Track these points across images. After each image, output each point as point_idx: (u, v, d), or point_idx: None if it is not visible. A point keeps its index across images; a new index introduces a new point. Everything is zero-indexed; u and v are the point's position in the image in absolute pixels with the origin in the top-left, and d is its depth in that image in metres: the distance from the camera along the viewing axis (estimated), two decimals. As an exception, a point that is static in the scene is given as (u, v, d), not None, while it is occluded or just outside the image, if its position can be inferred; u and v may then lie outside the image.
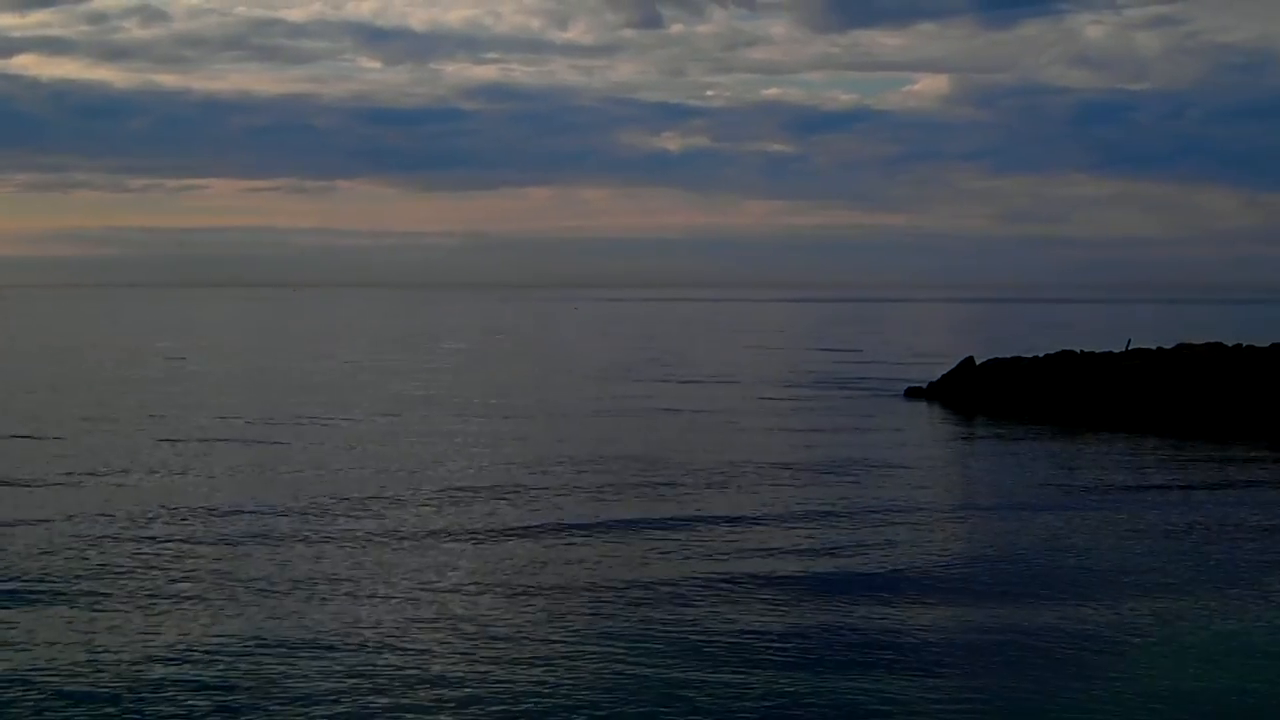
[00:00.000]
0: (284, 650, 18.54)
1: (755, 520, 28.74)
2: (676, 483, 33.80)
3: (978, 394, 56.54)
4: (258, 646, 18.68)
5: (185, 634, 19.32)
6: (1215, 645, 19.46)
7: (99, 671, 17.53)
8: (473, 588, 22.47)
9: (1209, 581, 23.37)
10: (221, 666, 17.77)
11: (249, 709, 16.25)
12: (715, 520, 28.60)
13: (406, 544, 26.01)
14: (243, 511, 29.13)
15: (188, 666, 17.75)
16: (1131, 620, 20.70)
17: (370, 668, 17.86)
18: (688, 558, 24.82)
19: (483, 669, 17.90)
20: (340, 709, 16.29)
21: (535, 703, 16.63)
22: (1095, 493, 33.02)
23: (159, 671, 17.53)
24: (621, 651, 18.69)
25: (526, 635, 19.52)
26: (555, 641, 19.20)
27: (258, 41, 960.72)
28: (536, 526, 27.84)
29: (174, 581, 22.54)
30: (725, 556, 24.93)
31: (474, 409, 53.07)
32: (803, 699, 16.86)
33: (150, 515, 28.59)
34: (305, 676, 17.42)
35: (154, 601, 21.22)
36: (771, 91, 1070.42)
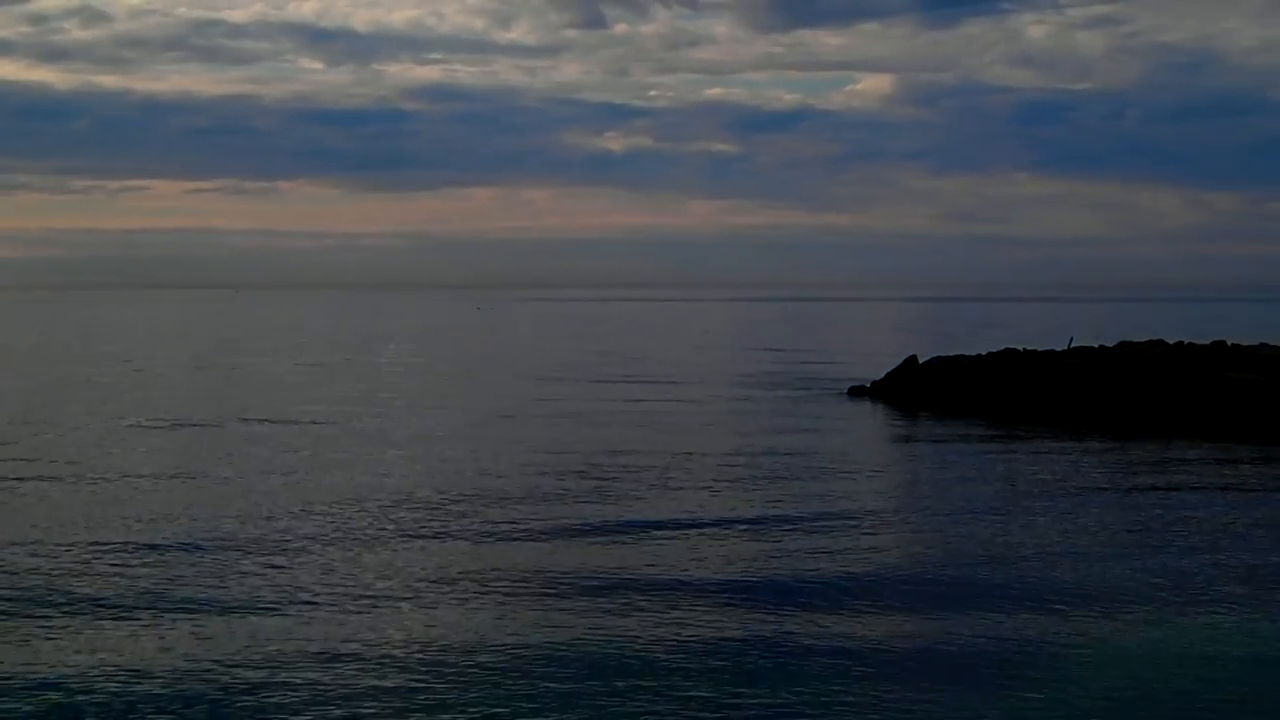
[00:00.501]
0: (225, 665, 17.91)
1: (694, 525, 28.17)
2: (616, 486, 33.25)
3: (921, 392, 56.53)
4: (195, 660, 18.06)
5: (114, 648, 18.68)
6: (1158, 652, 19.13)
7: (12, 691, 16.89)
8: (412, 595, 21.89)
9: (1153, 587, 23.03)
10: (159, 681, 17.15)
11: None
12: (653, 525, 28.05)
13: (348, 550, 25.36)
14: (179, 518, 28.44)
15: (116, 683, 17.13)
16: (1074, 627, 20.34)
17: (312, 679, 17.26)
18: (624, 564, 24.24)
19: (418, 678, 17.35)
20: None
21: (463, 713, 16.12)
22: (1037, 495, 32.66)
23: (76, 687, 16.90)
24: (552, 664, 18.15)
25: (462, 644, 18.96)
26: (481, 652, 18.62)
27: (199, 42, 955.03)
28: (472, 532, 27.29)
29: (104, 593, 21.87)
30: (662, 563, 24.37)
31: (415, 412, 52.48)
32: (740, 711, 16.41)
33: (84, 522, 27.88)
34: (246, 690, 16.81)
35: (83, 614, 20.55)
36: (715, 91, 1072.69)
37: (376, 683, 17.24)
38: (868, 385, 60.43)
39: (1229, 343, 57.85)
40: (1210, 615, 21.08)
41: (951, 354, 61.18)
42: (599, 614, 20.70)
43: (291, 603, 21.30)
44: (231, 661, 18.04)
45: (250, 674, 17.49)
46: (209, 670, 17.63)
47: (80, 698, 16.58)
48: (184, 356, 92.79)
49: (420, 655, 18.46)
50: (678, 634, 19.60)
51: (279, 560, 24.41)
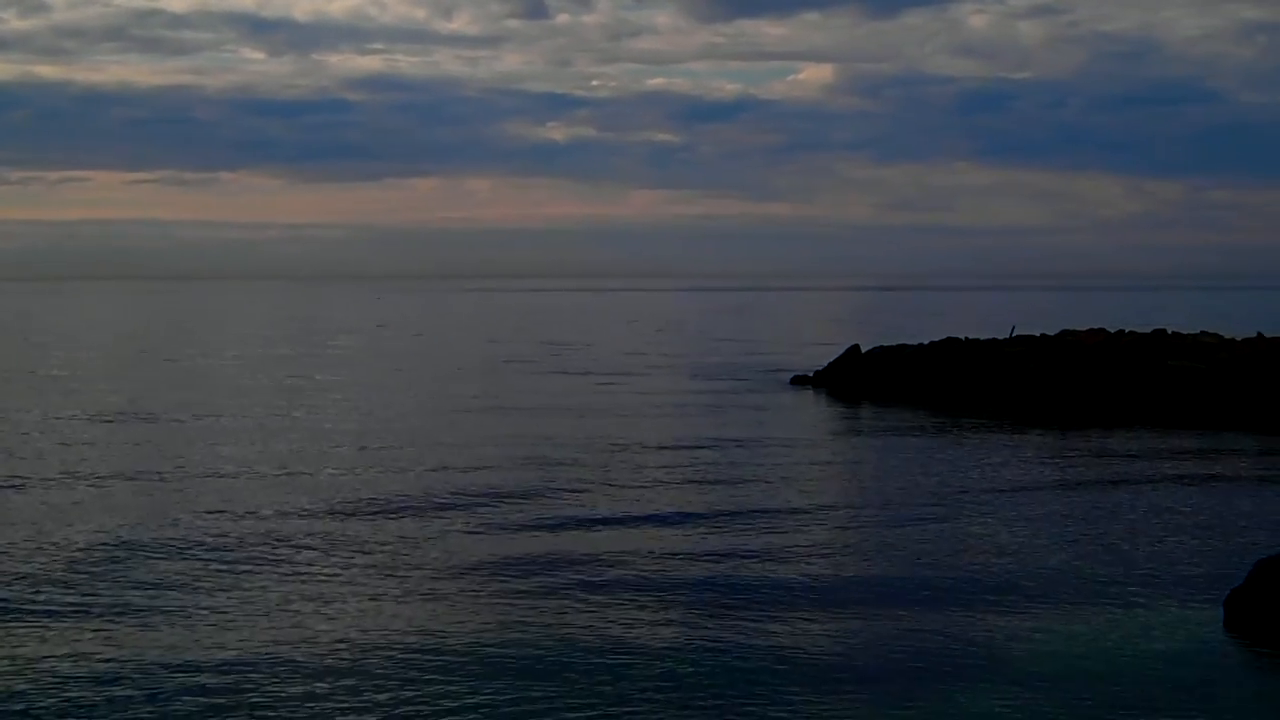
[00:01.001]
0: (140, 670, 17.29)
1: (631, 520, 27.63)
2: (553, 482, 32.54)
3: (863, 381, 56.41)
4: (118, 665, 17.43)
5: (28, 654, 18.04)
6: (1097, 645, 18.83)
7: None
8: (337, 598, 21.32)
9: (1091, 581, 22.80)
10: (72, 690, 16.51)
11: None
12: (588, 522, 27.53)
13: (279, 549, 24.66)
14: (114, 512, 27.73)
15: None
16: (1015, 623, 20.04)
17: (234, 686, 16.64)
18: (556, 564, 23.43)
19: (346, 681, 16.79)
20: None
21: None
22: (978, 489, 32.31)
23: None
24: (483, 668, 17.54)
25: (386, 645, 18.38)
26: (400, 655, 17.99)
27: (138, 32, 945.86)
28: (400, 530, 26.67)
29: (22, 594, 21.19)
30: (595, 563, 23.69)
31: (354, 406, 51.82)
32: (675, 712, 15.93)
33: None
34: (167, 698, 16.20)
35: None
36: (657, 81, 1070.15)
37: (290, 689, 16.69)
38: (810, 375, 60.27)
39: (1170, 331, 57.96)
40: (1143, 609, 20.84)
41: (894, 343, 61.11)
42: (529, 612, 20.11)
43: (200, 608, 20.61)
44: (145, 666, 17.44)
45: (156, 678, 16.92)
46: (122, 674, 17.03)
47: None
48: (122, 349, 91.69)
49: (329, 658, 17.89)
50: (611, 634, 19.03)
51: (195, 563, 23.78)
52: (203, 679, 16.87)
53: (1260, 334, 57.05)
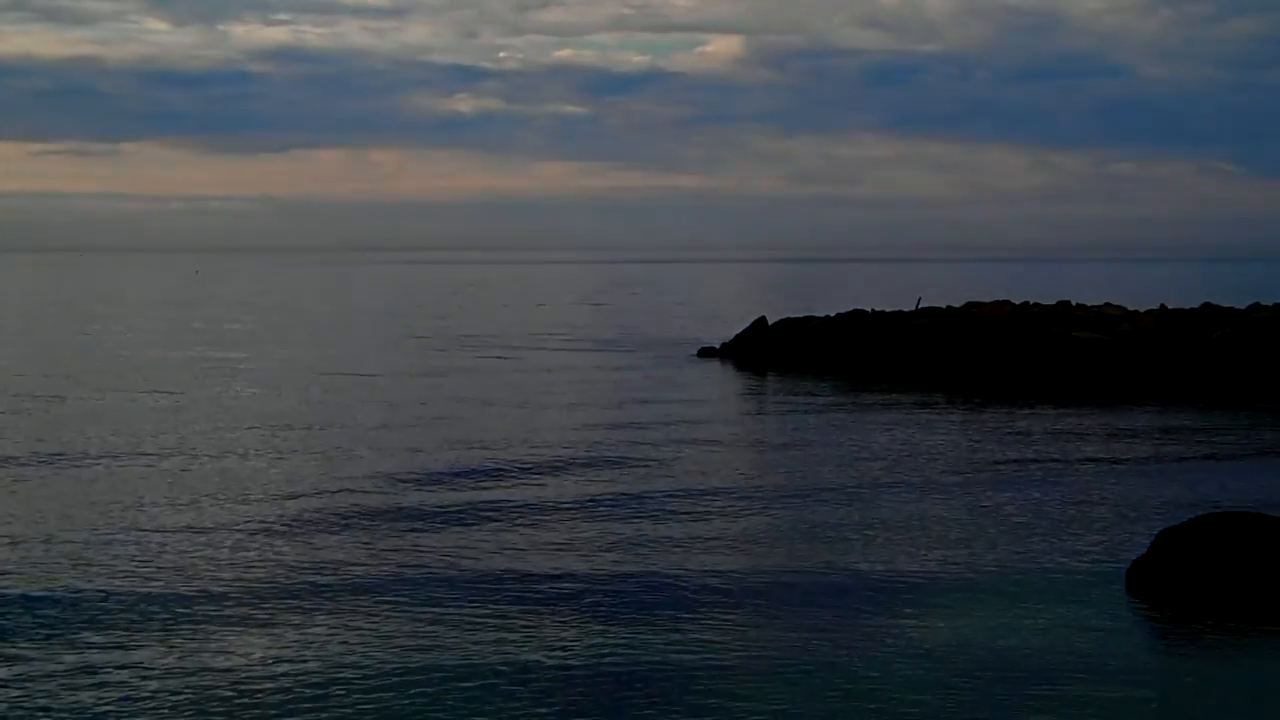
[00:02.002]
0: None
1: (527, 507, 26.24)
2: (446, 464, 30.97)
3: (770, 353, 56.46)
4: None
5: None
6: (996, 621, 18.76)
7: None
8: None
9: (992, 557, 22.77)
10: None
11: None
12: (483, 507, 26.10)
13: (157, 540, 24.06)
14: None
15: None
16: (916, 601, 19.99)
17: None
18: (446, 557, 22.03)
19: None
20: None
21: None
22: (879, 461, 32.18)
23: None
24: (357, 674, 16.50)
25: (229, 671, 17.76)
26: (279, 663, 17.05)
27: (41, 2, 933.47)
28: (277, 522, 25.68)
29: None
30: (482, 554, 22.36)
31: (251, 381, 51.02)
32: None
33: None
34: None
35: None
36: (564, 53, 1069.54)
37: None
38: (717, 346, 60.26)
39: (1074, 303, 58.31)
40: (1045, 580, 20.82)
41: (800, 315, 61.10)
42: (411, 613, 18.73)
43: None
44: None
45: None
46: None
47: None
48: (20, 322, 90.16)
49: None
50: (502, 636, 17.78)
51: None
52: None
53: (1163, 305, 57.57)
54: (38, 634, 17.47)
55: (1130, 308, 57.53)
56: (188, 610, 18.64)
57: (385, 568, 21.37)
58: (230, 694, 15.34)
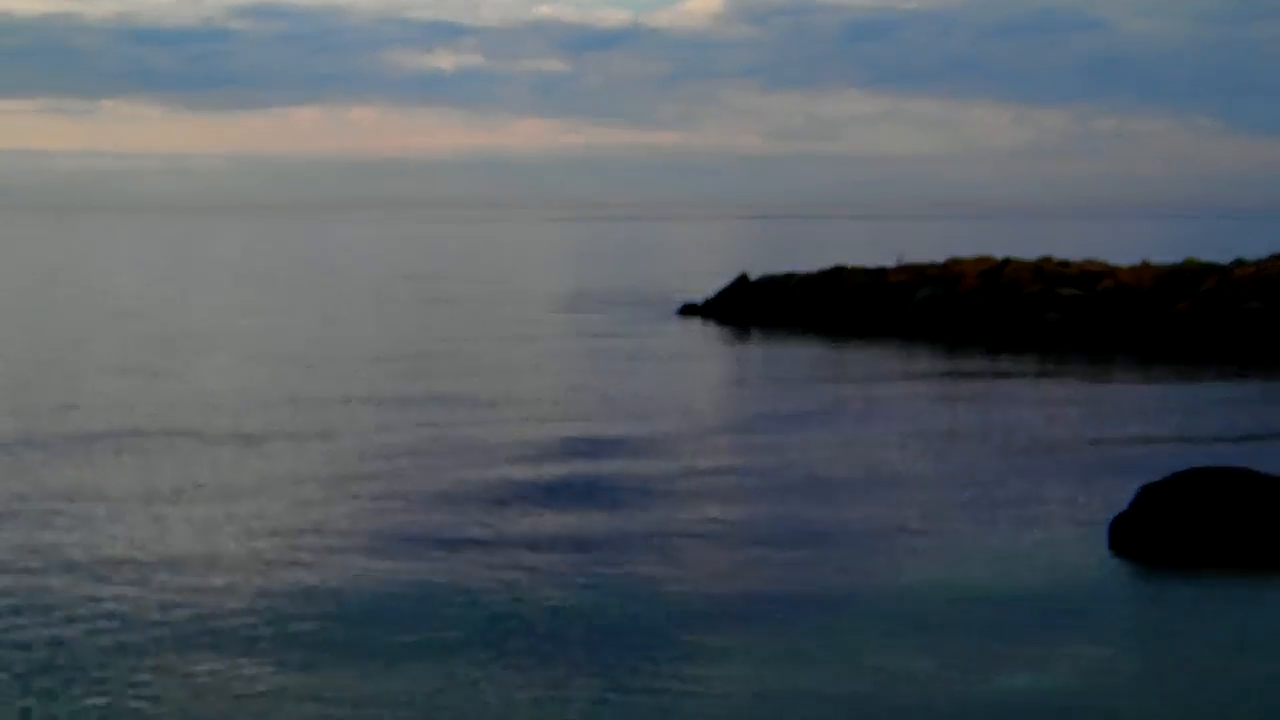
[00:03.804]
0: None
1: (504, 460, 26.36)
2: (427, 417, 31.26)
3: (752, 310, 56.35)
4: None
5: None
6: (982, 574, 18.79)
7: None
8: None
9: (977, 510, 22.85)
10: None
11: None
12: (452, 468, 26.23)
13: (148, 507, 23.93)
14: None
15: None
16: (900, 552, 20.08)
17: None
18: (428, 521, 22.07)
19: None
20: None
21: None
22: (859, 416, 32.27)
23: None
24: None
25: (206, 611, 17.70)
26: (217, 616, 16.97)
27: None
28: (249, 491, 25.73)
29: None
30: (456, 521, 22.03)
31: (223, 345, 50.84)
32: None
33: None
34: None
35: None
36: (544, 9, 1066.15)
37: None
38: (699, 304, 60.03)
39: (1055, 259, 58.20)
40: (1029, 534, 20.90)
41: (782, 272, 60.96)
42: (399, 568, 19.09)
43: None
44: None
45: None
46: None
47: None
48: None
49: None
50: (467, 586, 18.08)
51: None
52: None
53: (1145, 261, 57.47)
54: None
55: (1112, 264, 57.47)
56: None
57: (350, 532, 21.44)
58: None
